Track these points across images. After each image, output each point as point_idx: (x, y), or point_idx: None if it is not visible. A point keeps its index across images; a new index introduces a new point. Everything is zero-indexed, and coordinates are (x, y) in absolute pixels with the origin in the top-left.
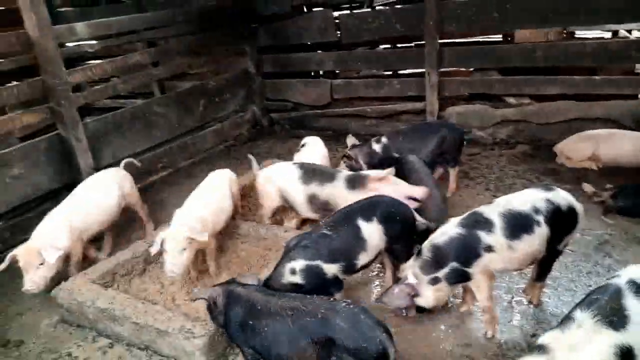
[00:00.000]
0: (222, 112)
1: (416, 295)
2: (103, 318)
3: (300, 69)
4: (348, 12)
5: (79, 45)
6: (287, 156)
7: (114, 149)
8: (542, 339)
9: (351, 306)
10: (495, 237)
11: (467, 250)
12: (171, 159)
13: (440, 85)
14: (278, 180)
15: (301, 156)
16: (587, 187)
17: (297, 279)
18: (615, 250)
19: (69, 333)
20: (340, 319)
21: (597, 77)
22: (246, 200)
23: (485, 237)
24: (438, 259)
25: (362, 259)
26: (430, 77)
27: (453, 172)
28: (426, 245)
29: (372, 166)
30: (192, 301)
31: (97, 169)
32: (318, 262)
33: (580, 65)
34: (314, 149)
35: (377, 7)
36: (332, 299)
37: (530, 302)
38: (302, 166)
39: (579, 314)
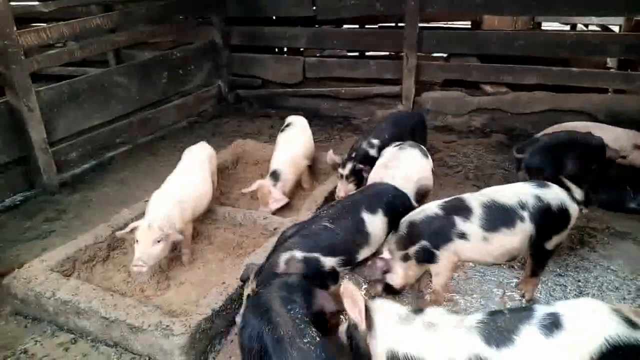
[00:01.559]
0: (186, 86)
1: (388, 270)
2: (65, 311)
3: (272, 44)
4: None
5: (32, 5)
6: (256, 136)
7: (69, 121)
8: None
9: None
10: (470, 226)
11: (439, 232)
12: (131, 134)
13: (418, 69)
14: None
15: (286, 137)
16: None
17: (293, 270)
18: (599, 245)
19: (24, 327)
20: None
21: (574, 69)
22: (220, 181)
23: (460, 223)
24: (411, 235)
25: (364, 254)
26: (409, 60)
27: None
28: (404, 221)
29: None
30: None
31: (51, 143)
32: (316, 255)
33: (556, 56)
34: (300, 131)
35: None
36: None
37: (523, 296)
38: None
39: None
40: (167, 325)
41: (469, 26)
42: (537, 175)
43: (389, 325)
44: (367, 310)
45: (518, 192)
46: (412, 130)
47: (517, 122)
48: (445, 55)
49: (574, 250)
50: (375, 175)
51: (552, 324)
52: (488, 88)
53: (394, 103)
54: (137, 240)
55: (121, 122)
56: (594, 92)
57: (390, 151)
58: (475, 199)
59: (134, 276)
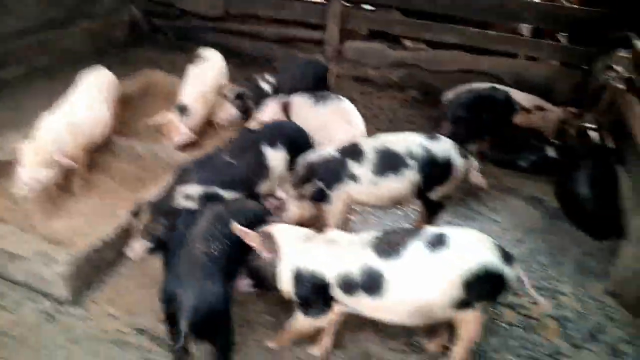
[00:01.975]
0: (94, 8)
1: (283, 209)
2: None
3: None
4: None
5: None
6: (169, 69)
7: None
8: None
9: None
10: (362, 169)
11: (332, 173)
12: (28, 56)
13: (343, 16)
14: None
15: (198, 71)
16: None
17: (192, 204)
18: (488, 198)
19: None
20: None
21: (491, 32)
22: (123, 112)
23: (352, 165)
24: (307, 174)
25: (264, 188)
26: (334, 5)
27: None
28: (301, 160)
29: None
30: None
31: None
32: (215, 189)
33: (475, 18)
34: (213, 65)
35: None
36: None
37: None
38: None
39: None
40: (50, 254)
41: None
42: (460, 126)
43: (292, 246)
44: (272, 237)
45: (408, 142)
46: (313, 77)
47: (433, 80)
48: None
49: (464, 201)
50: (344, 134)
51: (438, 242)
52: (408, 43)
53: (317, 49)
54: (21, 163)
55: (17, 40)
56: (506, 57)
57: (331, 104)
58: (369, 144)
59: (19, 203)
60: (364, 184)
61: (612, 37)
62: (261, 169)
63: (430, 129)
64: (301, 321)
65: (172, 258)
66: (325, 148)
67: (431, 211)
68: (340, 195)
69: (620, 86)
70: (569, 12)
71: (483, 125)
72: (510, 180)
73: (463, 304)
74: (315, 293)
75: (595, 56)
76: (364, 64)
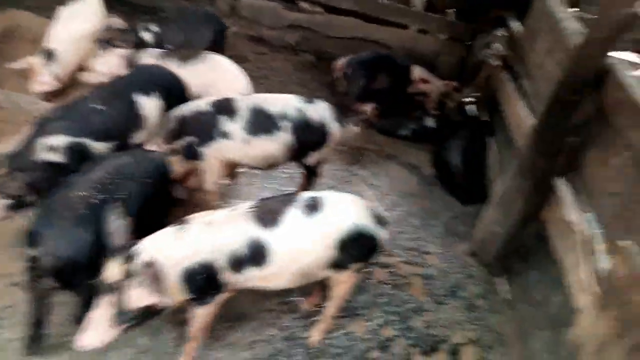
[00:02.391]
0: None
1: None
2: None
3: None
4: None
5: None
6: (39, 11)
7: None
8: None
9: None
10: (234, 126)
11: (205, 129)
12: None
13: None
14: None
15: (70, 12)
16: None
17: (57, 157)
18: (370, 164)
19: None
20: None
21: (385, 1)
22: None
23: (225, 122)
24: (180, 129)
25: (139, 138)
26: None
27: None
28: (172, 114)
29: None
30: None
31: None
32: (84, 139)
33: None
34: (89, 8)
35: None
36: None
37: None
38: None
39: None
40: None
41: None
42: (353, 84)
43: (169, 252)
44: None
45: (284, 103)
46: (213, 32)
47: (327, 45)
48: None
49: (348, 166)
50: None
51: (313, 206)
52: (305, 5)
53: (208, 2)
54: None
55: None
56: (399, 28)
57: (201, 65)
58: (244, 102)
59: None
60: (237, 142)
61: (492, 15)
62: (134, 117)
63: (322, 94)
64: (202, 314)
65: (48, 198)
66: (198, 101)
67: (309, 175)
68: (212, 153)
69: (496, 63)
70: None
71: (380, 88)
72: (392, 147)
73: (338, 265)
74: (208, 283)
75: (478, 33)
76: (260, 23)
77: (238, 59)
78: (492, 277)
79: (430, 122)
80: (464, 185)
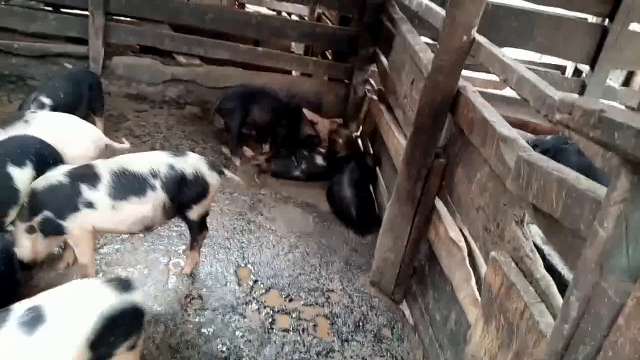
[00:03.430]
0: None
1: (13, 245)
2: None
3: None
4: None
5: None
6: None
7: None
8: None
9: None
10: (97, 194)
11: (63, 201)
12: None
13: (106, 29)
14: None
15: None
16: (248, 152)
17: None
18: (266, 209)
19: None
20: None
21: (259, 49)
22: None
23: (86, 191)
24: (34, 205)
25: (14, 214)
26: (95, 19)
27: (101, 121)
28: (27, 190)
29: None
30: None
31: None
32: None
33: (243, 34)
34: None
35: None
36: None
37: None
38: None
39: None
40: None
41: None
42: (228, 118)
43: None
44: None
45: (151, 161)
46: (90, 88)
47: (210, 96)
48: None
49: (242, 214)
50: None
51: (34, 319)
52: (182, 59)
53: (81, 65)
54: None
55: None
56: (280, 72)
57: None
58: (106, 167)
59: None
60: (104, 210)
61: (364, 53)
62: (9, 191)
63: (211, 144)
64: None
65: None
66: (52, 173)
67: (193, 233)
68: (78, 225)
69: (374, 97)
70: (327, 30)
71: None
72: (286, 189)
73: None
74: None
75: (354, 71)
76: (138, 80)
77: (118, 119)
78: (395, 304)
79: (320, 160)
80: (358, 216)
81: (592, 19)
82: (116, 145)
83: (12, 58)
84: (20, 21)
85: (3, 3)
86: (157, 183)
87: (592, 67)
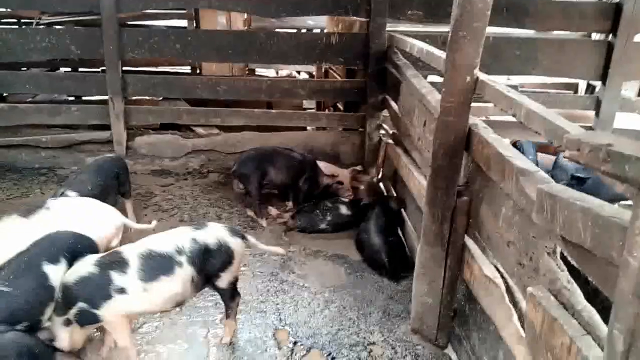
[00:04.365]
0: None
1: (52, 339)
2: None
3: None
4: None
5: None
6: None
7: None
8: None
9: None
10: (128, 279)
11: (96, 291)
12: None
13: (126, 113)
14: None
15: None
16: (272, 211)
17: None
18: (297, 266)
19: None
20: None
21: (273, 111)
22: None
23: (117, 278)
24: (68, 298)
25: (49, 312)
26: (115, 105)
27: (130, 202)
28: (58, 284)
29: None
30: None
31: None
32: None
33: (257, 99)
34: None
35: (51, 26)
36: None
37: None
38: None
39: None
40: None
41: (189, 71)
42: (245, 182)
43: None
44: None
45: (175, 238)
46: (117, 176)
47: (231, 161)
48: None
49: (274, 275)
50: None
51: None
52: (201, 130)
53: (106, 149)
54: None
55: None
56: (296, 130)
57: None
58: (132, 251)
59: None
60: (135, 294)
61: (373, 101)
62: (46, 290)
63: (236, 209)
64: None
65: None
66: (81, 265)
67: (226, 301)
68: (112, 312)
69: (390, 141)
70: (335, 85)
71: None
72: (315, 243)
73: None
74: None
75: (367, 119)
76: (160, 156)
77: (145, 196)
78: (440, 349)
79: (344, 210)
80: (389, 262)
81: (595, 36)
82: (135, 225)
83: (41, 151)
84: (46, 116)
85: (30, 100)
86: (183, 259)
87: (604, 82)
